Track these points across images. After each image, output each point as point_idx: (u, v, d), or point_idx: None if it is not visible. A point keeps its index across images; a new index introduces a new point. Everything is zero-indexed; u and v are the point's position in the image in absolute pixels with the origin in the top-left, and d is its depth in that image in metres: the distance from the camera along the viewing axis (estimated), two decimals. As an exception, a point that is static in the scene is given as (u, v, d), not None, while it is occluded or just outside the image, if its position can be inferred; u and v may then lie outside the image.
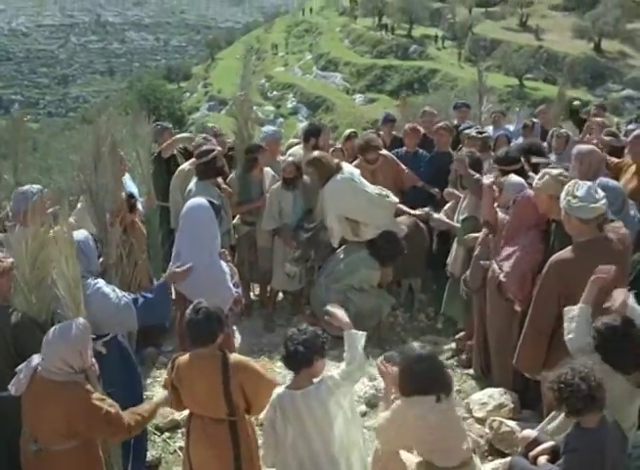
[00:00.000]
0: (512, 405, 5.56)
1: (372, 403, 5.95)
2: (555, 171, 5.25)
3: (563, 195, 4.73)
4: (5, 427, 4.27)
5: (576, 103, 10.09)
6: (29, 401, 3.91)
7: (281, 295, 8.39)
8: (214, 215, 5.78)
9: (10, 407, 4.08)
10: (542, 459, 4.00)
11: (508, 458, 4.45)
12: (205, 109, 66.55)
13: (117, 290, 4.78)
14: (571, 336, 4.23)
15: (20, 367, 3.98)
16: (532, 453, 4.10)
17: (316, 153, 7.45)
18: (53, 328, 3.98)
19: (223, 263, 5.64)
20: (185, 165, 7.79)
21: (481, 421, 5.50)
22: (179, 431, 5.79)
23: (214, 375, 4.16)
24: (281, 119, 57.46)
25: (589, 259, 4.51)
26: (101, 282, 4.73)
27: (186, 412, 5.70)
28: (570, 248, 4.77)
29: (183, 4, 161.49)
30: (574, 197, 4.62)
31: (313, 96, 61.57)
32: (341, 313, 4.36)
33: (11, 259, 4.53)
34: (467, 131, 8.44)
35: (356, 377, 4.23)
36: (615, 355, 3.88)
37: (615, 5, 56.34)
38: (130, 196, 6.46)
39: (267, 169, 7.97)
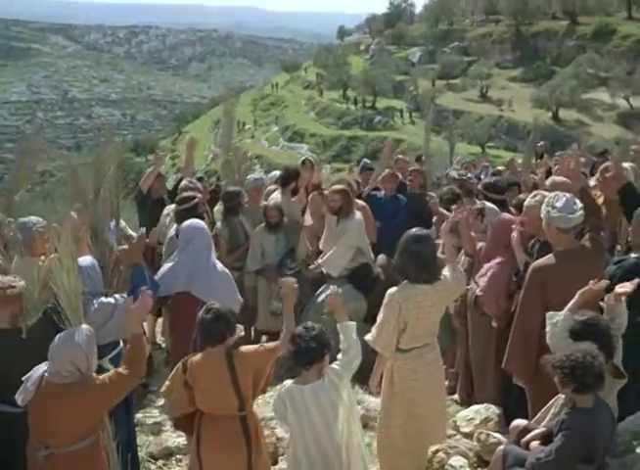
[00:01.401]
0: (497, 419, 5.73)
1: (363, 423, 6.01)
2: (547, 193, 5.52)
3: (544, 206, 5.04)
4: (12, 442, 4.31)
5: (540, 144, 10.43)
6: (39, 408, 4.00)
7: (264, 338, 8.43)
8: None
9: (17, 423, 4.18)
10: (534, 444, 4.20)
11: (501, 446, 4.60)
12: (172, 180, 66.86)
13: (117, 296, 5.01)
14: (552, 341, 4.43)
15: (26, 377, 4.07)
16: (524, 440, 4.33)
17: (344, 185, 7.74)
18: (59, 335, 4.10)
19: None
20: (172, 206, 7.91)
21: (469, 436, 5.65)
22: (173, 458, 5.84)
23: (223, 372, 4.31)
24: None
25: (568, 267, 4.83)
26: (103, 298, 4.94)
27: (179, 440, 5.85)
28: (550, 255, 5.08)
29: (150, 80, 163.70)
30: (554, 207, 4.95)
31: (280, 166, 62.18)
32: (341, 303, 4.56)
33: (22, 283, 4.63)
34: (450, 173, 8.80)
35: (354, 365, 4.43)
36: (603, 343, 4.09)
37: (570, 76, 58.53)
38: None
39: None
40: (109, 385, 4.06)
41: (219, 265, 6.00)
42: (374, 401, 6.05)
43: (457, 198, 7.14)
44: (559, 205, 4.94)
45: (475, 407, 5.94)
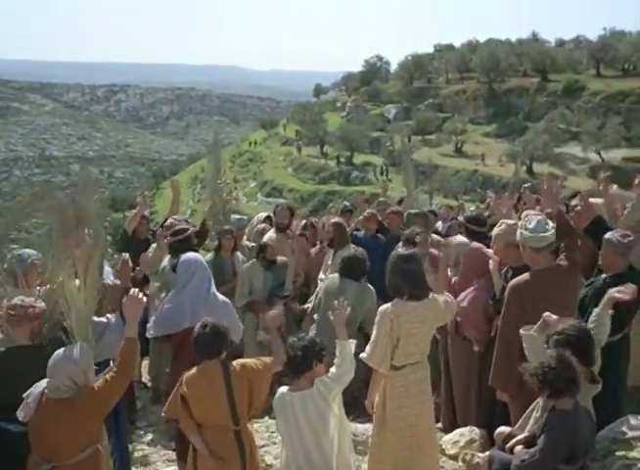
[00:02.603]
0: (481, 440, 5.89)
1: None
2: (511, 221, 5.81)
3: (518, 230, 5.33)
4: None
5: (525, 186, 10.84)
6: (40, 425, 4.11)
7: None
8: None
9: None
10: (518, 448, 4.37)
11: (487, 452, 4.74)
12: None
13: (109, 315, 5.25)
14: (531, 355, 4.66)
15: (27, 393, 4.20)
16: (509, 445, 4.49)
17: (339, 218, 8.48)
18: (57, 352, 4.25)
19: None
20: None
21: (454, 458, 5.78)
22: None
23: (219, 383, 4.46)
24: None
25: (544, 285, 5.09)
26: (95, 317, 5.05)
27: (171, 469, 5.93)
28: (527, 274, 5.32)
29: (128, 138, 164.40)
30: (527, 229, 5.24)
31: (259, 221, 62.56)
32: (341, 321, 4.70)
33: (42, 304, 4.85)
34: (411, 211, 9.13)
35: (345, 379, 4.59)
36: (583, 350, 4.30)
37: (542, 131, 59.80)
38: None
39: (237, 253, 8.45)
40: (100, 390, 4.18)
41: (220, 296, 6.12)
42: (361, 427, 6.17)
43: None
44: (531, 226, 5.26)
45: (459, 430, 6.10)
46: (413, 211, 9.06)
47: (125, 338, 4.42)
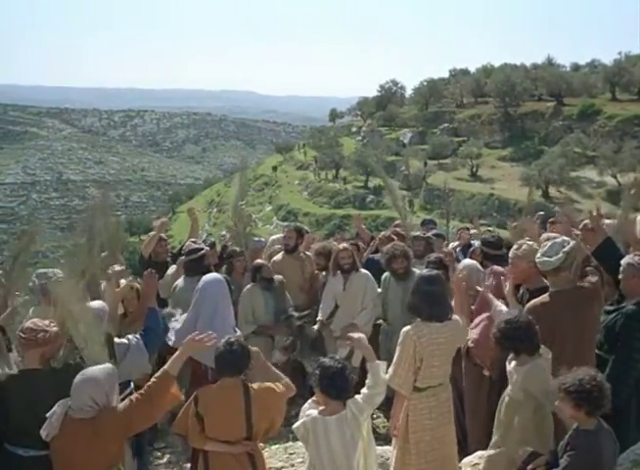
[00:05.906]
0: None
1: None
2: (530, 242, 5.79)
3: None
4: None
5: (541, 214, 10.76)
6: (63, 443, 4.12)
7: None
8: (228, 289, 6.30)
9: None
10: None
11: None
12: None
13: (130, 336, 5.24)
14: None
15: (50, 412, 4.19)
16: (530, 467, 4.38)
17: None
18: (82, 371, 4.26)
19: None
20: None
21: (474, 481, 5.67)
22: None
23: (237, 401, 4.44)
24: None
25: (561, 306, 4.99)
26: (116, 338, 5.16)
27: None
28: (545, 295, 5.26)
29: (144, 162, 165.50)
30: (540, 252, 5.28)
31: (274, 245, 62.64)
32: (364, 340, 4.69)
33: (55, 328, 4.77)
34: (413, 233, 9.11)
35: (377, 400, 4.57)
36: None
37: (558, 155, 59.65)
38: None
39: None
40: (122, 413, 4.19)
41: (221, 324, 6.03)
42: (380, 449, 6.10)
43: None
44: (544, 249, 5.30)
45: (479, 453, 6.00)
46: (414, 233, 9.04)
47: (163, 370, 4.45)
